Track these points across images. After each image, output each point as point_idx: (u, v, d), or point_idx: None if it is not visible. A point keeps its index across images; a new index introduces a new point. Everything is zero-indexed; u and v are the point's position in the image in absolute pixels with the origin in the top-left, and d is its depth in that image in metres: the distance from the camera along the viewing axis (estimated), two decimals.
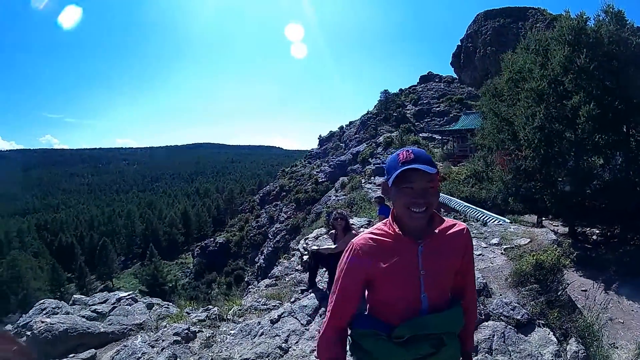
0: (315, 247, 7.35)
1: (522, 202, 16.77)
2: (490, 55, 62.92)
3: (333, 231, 7.23)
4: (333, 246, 7.06)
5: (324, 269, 7.63)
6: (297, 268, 8.39)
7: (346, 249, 2.66)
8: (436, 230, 2.58)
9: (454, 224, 2.69)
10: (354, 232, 7.17)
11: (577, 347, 5.60)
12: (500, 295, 6.45)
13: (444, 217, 2.63)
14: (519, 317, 5.97)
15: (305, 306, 6.30)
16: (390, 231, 2.59)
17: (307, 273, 7.55)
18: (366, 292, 2.74)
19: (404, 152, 2.48)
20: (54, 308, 6.50)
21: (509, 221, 13.20)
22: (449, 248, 2.61)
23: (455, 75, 76.85)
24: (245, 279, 48.15)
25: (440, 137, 48.31)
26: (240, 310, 6.51)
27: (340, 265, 2.67)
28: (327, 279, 7.33)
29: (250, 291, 8.73)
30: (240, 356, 5.27)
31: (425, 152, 2.47)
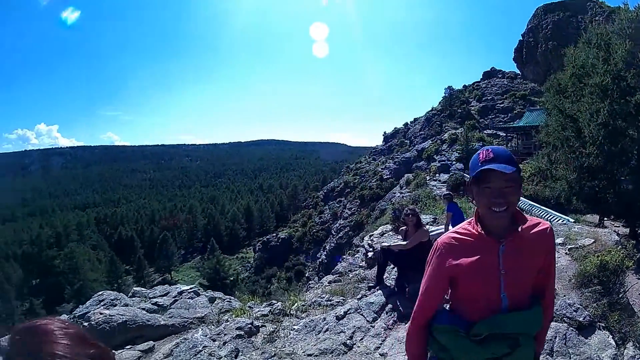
0: (385, 244, 7.19)
1: (585, 201, 16.31)
2: (551, 50, 61.52)
3: (403, 228, 7.10)
4: (404, 243, 6.89)
5: (392, 266, 7.50)
6: (361, 265, 8.28)
7: (432, 247, 2.67)
8: (519, 229, 2.52)
9: (538, 223, 2.62)
10: (424, 228, 7.00)
11: (634, 352, 5.43)
12: (564, 296, 6.29)
13: (527, 216, 2.59)
14: (581, 319, 5.81)
15: (372, 303, 6.21)
16: (473, 230, 2.58)
17: (372, 269, 7.48)
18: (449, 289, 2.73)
19: (484, 152, 2.45)
20: (112, 300, 6.56)
21: (572, 220, 12.92)
22: (532, 247, 2.56)
23: (518, 71, 75.09)
24: (306, 275, 47.73)
25: (504, 134, 47.62)
26: (303, 305, 6.47)
27: (427, 263, 2.68)
28: (394, 276, 7.21)
29: (311, 287, 8.77)
30: (303, 352, 5.20)
31: (505, 151, 2.44)
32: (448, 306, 2.74)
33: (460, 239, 2.60)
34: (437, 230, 9.37)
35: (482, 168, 2.41)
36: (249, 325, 5.68)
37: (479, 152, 2.49)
